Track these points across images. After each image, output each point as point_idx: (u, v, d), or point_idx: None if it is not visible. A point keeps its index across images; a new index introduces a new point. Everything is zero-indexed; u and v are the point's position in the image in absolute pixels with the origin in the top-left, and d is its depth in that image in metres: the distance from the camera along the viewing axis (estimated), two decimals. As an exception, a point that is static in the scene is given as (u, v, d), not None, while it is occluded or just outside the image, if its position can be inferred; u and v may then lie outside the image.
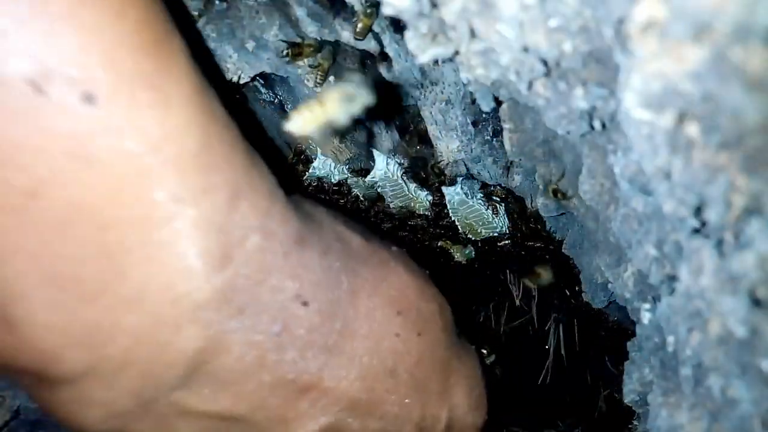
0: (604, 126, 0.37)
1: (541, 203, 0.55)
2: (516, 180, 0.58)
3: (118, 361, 0.33)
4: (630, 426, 0.69)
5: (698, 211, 0.30)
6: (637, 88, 0.28)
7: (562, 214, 0.57)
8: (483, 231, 0.63)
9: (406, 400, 0.43)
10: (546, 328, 0.71)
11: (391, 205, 0.61)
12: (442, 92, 0.54)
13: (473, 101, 0.54)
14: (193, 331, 0.34)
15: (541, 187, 0.54)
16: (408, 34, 0.37)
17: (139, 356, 0.34)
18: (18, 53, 0.27)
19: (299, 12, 0.50)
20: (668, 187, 0.31)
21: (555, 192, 0.52)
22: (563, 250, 0.59)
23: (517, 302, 0.71)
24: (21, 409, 0.57)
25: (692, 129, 0.27)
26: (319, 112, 0.35)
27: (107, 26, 0.29)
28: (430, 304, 0.45)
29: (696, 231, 0.32)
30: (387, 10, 0.36)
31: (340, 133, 0.45)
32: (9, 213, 0.29)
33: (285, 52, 0.50)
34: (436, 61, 0.51)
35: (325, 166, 0.61)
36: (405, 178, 0.60)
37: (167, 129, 0.31)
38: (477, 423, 0.49)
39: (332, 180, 0.61)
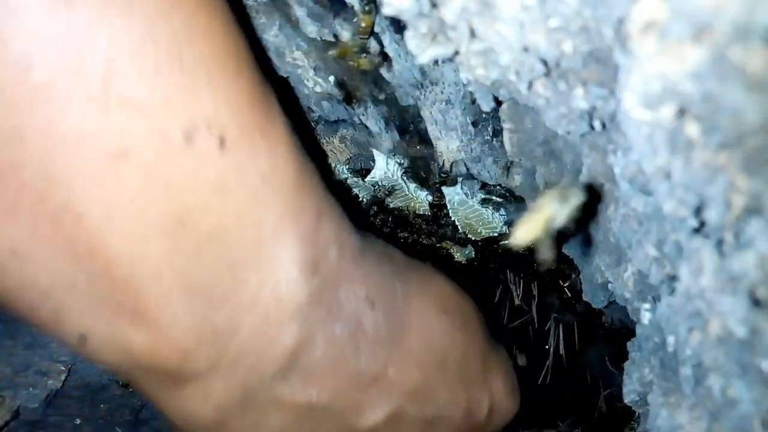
0: (604, 126, 0.37)
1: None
2: (516, 180, 0.58)
3: (235, 356, 0.40)
4: (630, 426, 0.69)
5: (698, 211, 0.30)
6: (636, 89, 0.28)
7: (562, 214, 0.56)
8: (483, 231, 0.63)
9: (455, 388, 0.50)
10: (546, 328, 0.71)
11: (391, 205, 0.61)
12: (442, 92, 0.54)
13: (473, 101, 0.54)
14: (293, 328, 0.40)
15: (541, 188, 0.54)
16: (408, 34, 0.37)
17: (251, 352, 0.40)
18: (178, 112, 0.34)
19: (299, 12, 0.50)
20: (668, 187, 0.31)
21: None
22: (563, 251, 0.59)
23: (517, 302, 0.71)
24: (21, 409, 0.57)
25: (692, 129, 0.27)
26: (541, 219, 0.35)
27: (231, 84, 0.37)
28: (467, 304, 0.53)
29: (696, 231, 0.32)
30: (387, 10, 0.36)
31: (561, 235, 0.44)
32: (162, 238, 0.35)
33: (333, 53, 0.50)
34: (436, 62, 0.51)
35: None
36: (405, 178, 0.61)
37: (274, 164, 0.39)
38: (514, 407, 0.56)
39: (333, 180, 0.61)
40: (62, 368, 0.57)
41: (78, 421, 0.59)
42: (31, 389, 0.57)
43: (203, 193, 0.36)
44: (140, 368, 0.39)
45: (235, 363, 0.40)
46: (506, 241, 0.64)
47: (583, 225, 0.44)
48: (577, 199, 0.37)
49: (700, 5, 0.22)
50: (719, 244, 0.30)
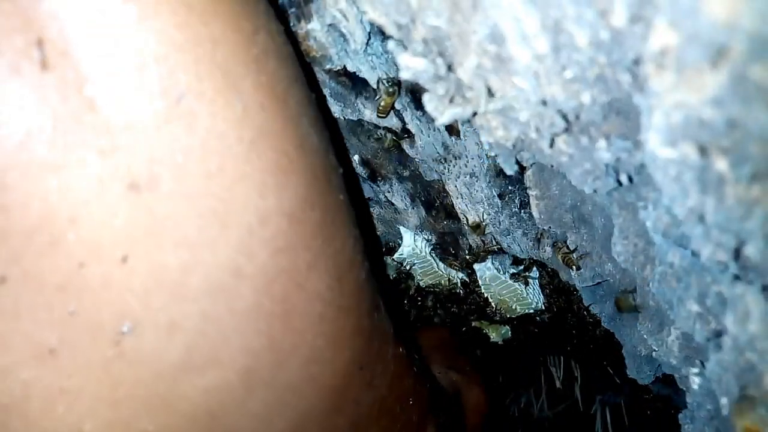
0: (631, 180, 0.37)
1: (574, 274, 0.54)
2: (548, 252, 0.57)
3: None
4: None
5: (737, 253, 0.29)
6: (659, 125, 0.27)
7: (598, 283, 0.55)
8: (518, 307, 0.61)
9: None
10: (591, 411, 0.67)
11: (421, 283, 0.60)
12: (465, 165, 0.54)
13: (498, 173, 0.54)
14: None
15: (559, 258, 0.53)
16: (426, 97, 0.37)
17: None
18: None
19: (323, 92, 0.52)
20: (703, 230, 0.30)
21: (565, 259, 0.51)
22: (602, 324, 0.57)
23: (558, 384, 0.67)
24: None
25: (721, 163, 0.26)
26: None
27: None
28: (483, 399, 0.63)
29: (737, 278, 0.31)
30: (405, 75, 0.37)
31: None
32: None
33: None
34: (458, 134, 0.51)
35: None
36: (434, 254, 0.60)
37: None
38: None
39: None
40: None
41: None
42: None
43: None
44: None
45: None
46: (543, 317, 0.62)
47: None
48: None
49: (713, 23, 0.21)
50: (764, 288, 0.29)
